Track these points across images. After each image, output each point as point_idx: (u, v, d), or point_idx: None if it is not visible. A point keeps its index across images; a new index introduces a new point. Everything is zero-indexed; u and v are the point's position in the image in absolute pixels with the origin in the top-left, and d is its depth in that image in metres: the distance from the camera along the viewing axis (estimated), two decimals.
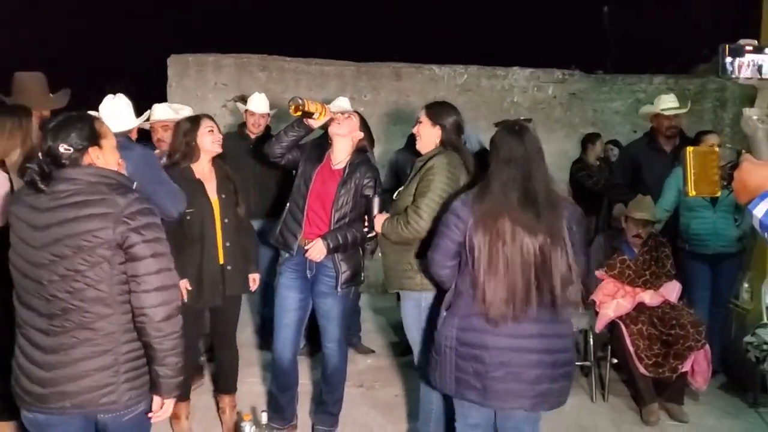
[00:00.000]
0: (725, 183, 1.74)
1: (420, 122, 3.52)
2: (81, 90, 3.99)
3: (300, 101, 3.50)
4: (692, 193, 1.78)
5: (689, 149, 1.79)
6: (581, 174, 6.97)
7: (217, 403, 4.15)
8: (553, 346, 2.78)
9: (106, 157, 2.37)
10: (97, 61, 7.89)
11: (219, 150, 3.80)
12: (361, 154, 3.82)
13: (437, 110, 3.52)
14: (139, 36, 9.42)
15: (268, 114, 5.29)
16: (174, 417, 3.85)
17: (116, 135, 2.90)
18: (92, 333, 2.26)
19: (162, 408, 2.41)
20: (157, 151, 4.17)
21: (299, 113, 3.54)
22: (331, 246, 3.61)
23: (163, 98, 6.87)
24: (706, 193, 1.81)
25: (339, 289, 3.72)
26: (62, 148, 2.29)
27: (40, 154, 2.32)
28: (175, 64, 7.47)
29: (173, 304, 2.33)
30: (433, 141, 3.48)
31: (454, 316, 2.84)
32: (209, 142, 3.75)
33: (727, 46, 1.69)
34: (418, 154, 3.58)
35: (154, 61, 7.49)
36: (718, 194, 1.83)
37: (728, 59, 1.69)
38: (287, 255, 3.79)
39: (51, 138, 2.30)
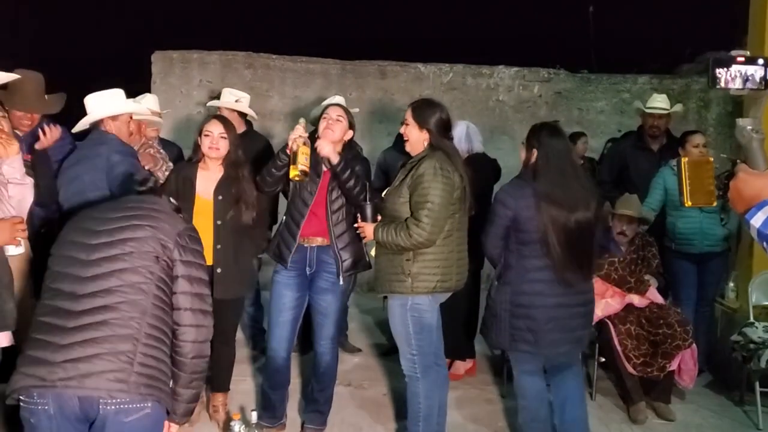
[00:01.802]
0: (720, 193, 1.74)
1: (407, 124, 3.51)
2: (63, 86, 3.90)
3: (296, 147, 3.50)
4: (688, 203, 1.79)
5: (684, 160, 1.79)
6: None
7: (208, 401, 4.10)
8: (586, 300, 3.58)
9: None
10: (80, 57, 7.80)
11: (212, 155, 3.72)
12: (350, 149, 3.83)
13: (422, 110, 3.49)
14: (123, 32, 9.34)
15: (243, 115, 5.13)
16: None
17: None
18: (119, 314, 2.24)
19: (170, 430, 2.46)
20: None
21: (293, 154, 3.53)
22: (341, 162, 3.58)
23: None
24: (702, 203, 1.81)
25: (341, 278, 3.72)
26: (152, 181, 2.72)
27: None
28: (159, 60, 7.42)
29: (209, 329, 2.46)
30: (421, 142, 3.47)
31: (507, 285, 3.48)
32: (205, 145, 3.72)
33: (714, 57, 1.69)
34: (407, 153, 3.56)
35: (138, 58, 7.40)
36: (714, 204, 1.83)
37: (717, 71, 1.69)
38: (281, 266, 3.77)
39: None
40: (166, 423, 2.42)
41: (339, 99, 4.90)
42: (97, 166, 3.51)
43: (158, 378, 2.30)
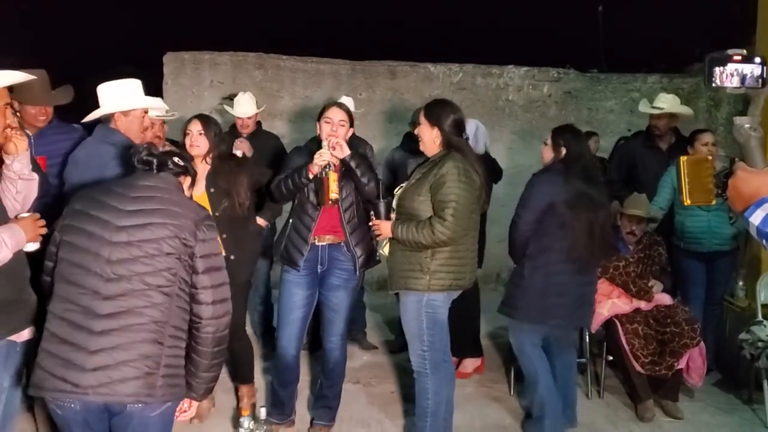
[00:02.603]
0: (719, 191, 1.75)
1: (419, 123, 3.56)
2: (76, 86, 3.96)
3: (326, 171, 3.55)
4: (687, 202, 1.81)
5: (682, 159, 1.80)
6: None
7: (236, 391, 4.27)
8: (594, 280, 4.11)
9: (186, 193, 2.65)
10: (91, 58, 7.85)
11: (194, 153, 3.73)
12: (350, 140, 3.82)
13: (435, 111, 3.53)
14: (134, 33, 9.40)
15: (256, 114, 5.25)
16: None
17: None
18: (145, 318, 2.29)
19: (190, 408, 2.54)
20: None
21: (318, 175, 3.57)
22: (354, 159, 3.63)
23: (158, 96, 6.85)
24: (701, 202, 1.83)
25: (357, 274, 3.81)
26: (176, 158, 2.57)
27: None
28: (171, 61, 7.46)
29: (229, 315, 2.49)
30: (435, 143, 3.51)
31: (542, 266, 3.82)
32: (187, 143, 3.79)
33: (710, 56, 1.70)
34: (415, 152, 3.61)
35: (150, 59, 7.46)
36: (713, 203, 1.85)
37: (715, 69, 1.71)
38: (294, 270, 3.78)
39: None
40: (187, 402, 2.50)
41: (347, 100, 4.92)
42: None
43: (180, 375, 2.40)
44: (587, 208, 3.75)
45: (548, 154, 3.96)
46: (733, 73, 1.69)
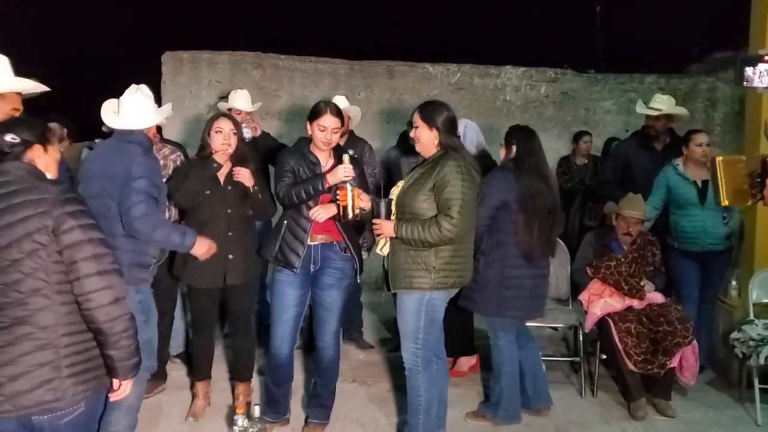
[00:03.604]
0: (755, 191, 1.73)
1: (416, 126, 3.58)
2: (74, 87, 3.98)
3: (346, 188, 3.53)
4: (725, 202, 1.78)
5: (718, 159, 1.77)
6: (557, 171, 7.14)
7: (233, 389, 4.30)
8: (547, 272, 4.21)
9: (46, 162, 2.39)
10: (90, 58, 7.89)
11: (228, 152, 3.86)
12: (339, 149, 3.84)
13: (429, 111, 3.57)
14: (133, 32, 9.42)
15: (252, 113, 5.22)
16: (194, 395, 4.15)
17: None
18: (30, 327, 2.21)
19: (120, 388, 2.42)
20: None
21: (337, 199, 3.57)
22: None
23: (156, 95, 6.87)
24: (739, 203, 1.81)
25: (359, 279, 3.96)
26: (9, 137, 2.31)
27: None
28: (169, 60, 7.50)
29: (118, 287, 2.31)
30: (432, 143, 3.54)
31: (496, 261, 3.97)
32: (218, 142, 3.85)
33: (742, 56, 1.71)
34: (409, 152, 3.64)
35: (148, 58, 7.49)
36: (749, 203, 1.83)
37: (746, 69, 1.71)
38: (290, 272, 3.78)
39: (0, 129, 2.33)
40: (117, 382, 2.39)
41: (339, 99, 4.93)
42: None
43: (90, 368, 2.32)
44: (538, 205, 3.92)
45: (503, 154, 4.18)
46: (764, 73, 1.69)
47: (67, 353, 2.26)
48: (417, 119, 3.58)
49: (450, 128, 3.55)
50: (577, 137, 7.40)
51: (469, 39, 9.01)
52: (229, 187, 3.90)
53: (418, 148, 3.62)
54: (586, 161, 7.35)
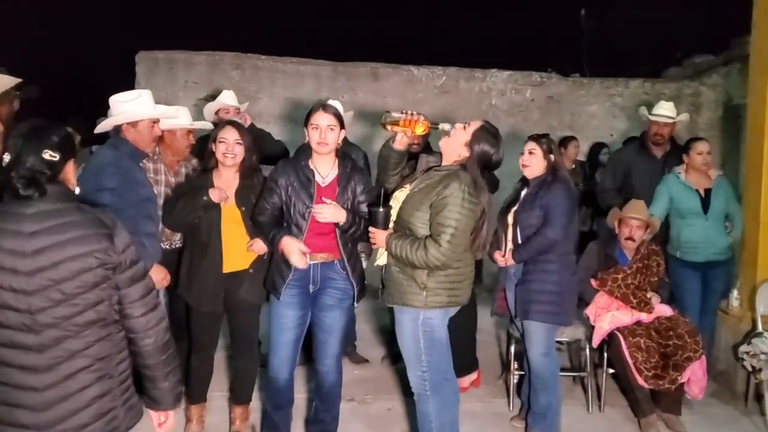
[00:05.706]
0: None
1: (464, 127, 3.32)
2: (49, 87, 3.75)
3: (390, 120, 3.32)
4: None
5: None
6: None
7: (230, 412, 4.07)
8: None
9: (69, 174, 2.20)
10: (63, 58, 7.56)
11: (228, 163, 3.64)
12: (345, 159, 3.64)
13: (482, 133, 3.28)
14: (106, 31, 9.09)
15: (237, 110, 5.01)
16: (187, 419, 3.91)
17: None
18: (89, 360, 2.12)
19: (168, 420, 2.37)
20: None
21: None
22: (347, 224, 3.46)
23: None
24: None
25: (356, 305, 3.66)
26: (47, 155, 2.08)
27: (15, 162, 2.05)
28: (143, 61, 7.21)
29: (166, 320, 2.30)
30: (457, 150, 3.31)
31: (564, 267, 3.96)
32: (220, 152, 3.64)
33: None
34: (413, 154, 3.45)
35: (122, 58, 7.20)
36: None
37: None
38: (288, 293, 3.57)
39: (33, 143, 2.08)
40: (157, 414, 2.34)
41: (334, 104, 4.72)
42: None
43: (132, 396, 2.29)
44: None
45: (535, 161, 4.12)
46: None
47: (121, 380, 2.22)
48: (469, 126, 3.29)
49: (481, 161, 3.27)
50: (564, 142, 7.28)
51: (454, 42, 8.92)
52: (243, 208, 3.66)
53: (442, 147, 3.37)
54: (574, 167, 7.26)
